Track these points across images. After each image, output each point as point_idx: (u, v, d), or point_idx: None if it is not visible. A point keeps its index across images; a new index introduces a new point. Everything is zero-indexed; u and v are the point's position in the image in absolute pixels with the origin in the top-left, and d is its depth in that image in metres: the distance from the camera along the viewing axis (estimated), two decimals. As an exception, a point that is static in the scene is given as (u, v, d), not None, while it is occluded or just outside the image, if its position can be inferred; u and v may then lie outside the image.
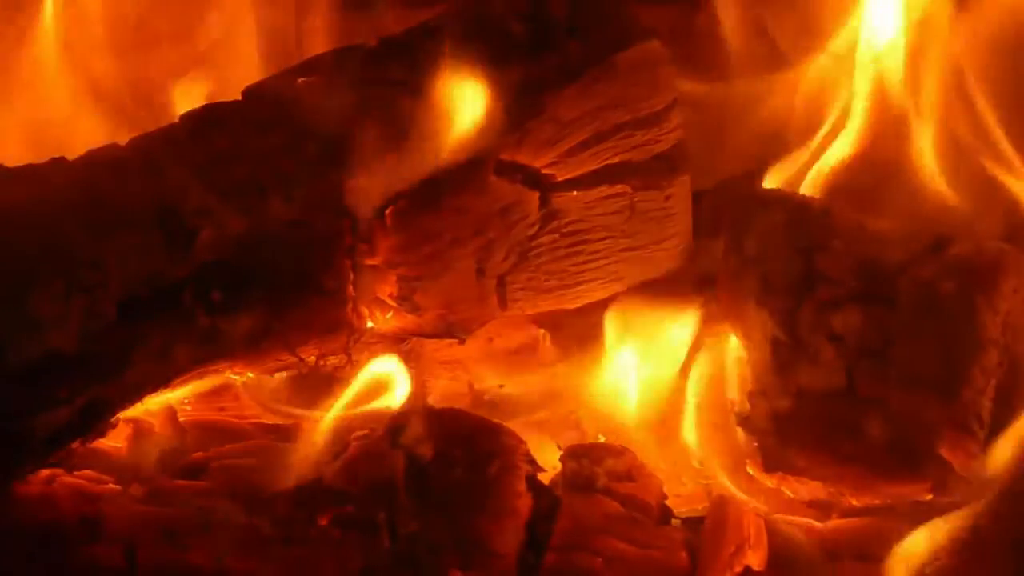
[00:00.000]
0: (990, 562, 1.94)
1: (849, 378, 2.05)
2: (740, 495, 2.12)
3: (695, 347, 2.25)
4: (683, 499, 2.15)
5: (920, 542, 1.96)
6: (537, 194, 2.18)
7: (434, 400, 2.29)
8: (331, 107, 2.10)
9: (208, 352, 2.03)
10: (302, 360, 2.11)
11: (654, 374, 2.25)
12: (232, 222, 2.03)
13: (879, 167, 2.28)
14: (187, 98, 2.32)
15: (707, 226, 2.28)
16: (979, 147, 2.30)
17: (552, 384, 2.31)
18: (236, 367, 2.12)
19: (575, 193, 2.21)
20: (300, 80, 2.16)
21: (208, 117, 2.12)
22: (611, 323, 2.26)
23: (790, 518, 2.07)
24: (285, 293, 2.05)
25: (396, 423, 2.05)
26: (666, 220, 2.28)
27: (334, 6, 2.59)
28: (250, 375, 2.19)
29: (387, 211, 2.09)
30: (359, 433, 2.07)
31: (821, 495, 2.09)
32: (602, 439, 2.22)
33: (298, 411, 2.23)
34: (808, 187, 2.29)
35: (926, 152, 2.31)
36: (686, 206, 2.29)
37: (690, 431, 2.22)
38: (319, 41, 2.47)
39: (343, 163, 2.09)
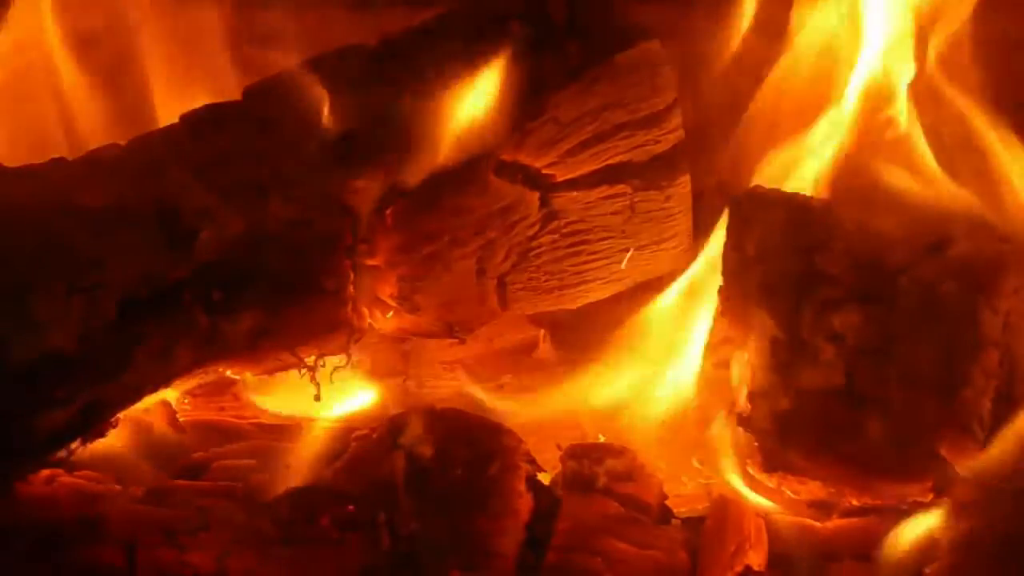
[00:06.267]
0: (989, 562, 1.94)
1: (849, 378, 2.05)
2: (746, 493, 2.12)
3: (696, 346, 2.26)
4: (683, 499, 2.14)
5: (918, 542, 1.96)
6: (537, 194, 2.19)
7: (434, 400, 2.29)
8: (331, 107, 2.10)
9: (208, 352, 2.03)
10: (302, 360, 2.11)
11: (655, 375, 2.25)
12: (232, 222, 2.03)
13: (879, 167, 2.28)
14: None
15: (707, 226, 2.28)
16: (979, 144, 2.30)
17: (552, 384, 2.31)
18: (236, 367, 2.12)
19: (575, 193, 2.21)
20: (300, 80, 2.16)
21: (208, 117, 2.12)
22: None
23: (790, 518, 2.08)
24: (285, 293, 2.05)
25: (396, 423, 2.05)
26: (666, 220, 2.28)
27: (335, 5, 2.59)
28: (249, 375, 2.20)
29: (387, 211, 2.09)
30: (359, 433, 2.07)
31: (821, 495, 2.09)
32: (602, 439, 2.22)
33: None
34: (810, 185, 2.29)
35: (927, 151, 2.31)
36: (686, 206, 2.29)
37: (695, 431, 2.22)
38: (319, 40, 2.47)
39: (343, 163, 2.09)
